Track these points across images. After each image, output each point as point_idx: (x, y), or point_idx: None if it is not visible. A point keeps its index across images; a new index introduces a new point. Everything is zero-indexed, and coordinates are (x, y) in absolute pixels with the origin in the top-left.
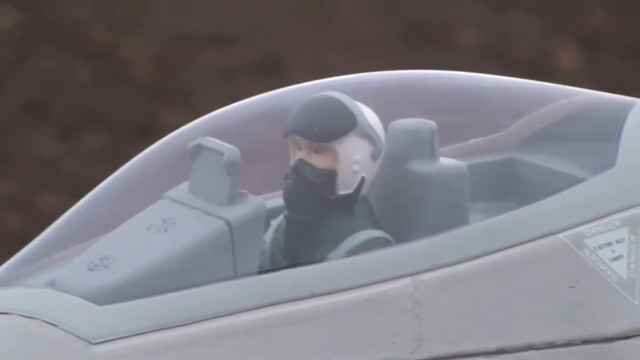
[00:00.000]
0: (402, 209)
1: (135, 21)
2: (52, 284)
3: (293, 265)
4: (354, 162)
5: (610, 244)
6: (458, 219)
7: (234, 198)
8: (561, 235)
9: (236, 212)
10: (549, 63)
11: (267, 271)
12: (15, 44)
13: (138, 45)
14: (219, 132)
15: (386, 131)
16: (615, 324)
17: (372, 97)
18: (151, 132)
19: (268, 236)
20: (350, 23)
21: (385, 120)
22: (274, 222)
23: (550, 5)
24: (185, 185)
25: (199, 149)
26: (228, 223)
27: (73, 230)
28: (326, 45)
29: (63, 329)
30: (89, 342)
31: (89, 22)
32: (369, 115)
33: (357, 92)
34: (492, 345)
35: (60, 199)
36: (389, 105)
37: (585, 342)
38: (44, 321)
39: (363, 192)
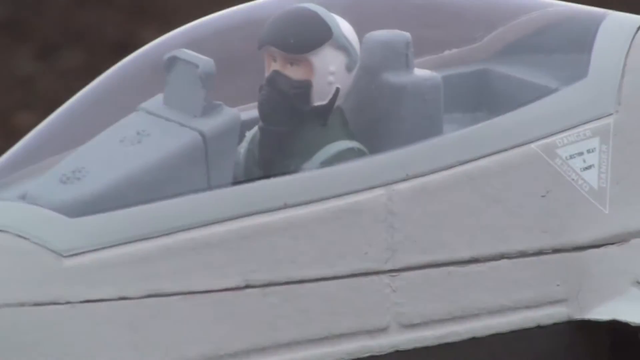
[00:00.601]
0: (376, 119)
1: None
2: (23, 197)
3: (267, 177)
4: (329, 73)
5: (581, 153)
6: (432, 130)
7: (208, 109)
8: (533, 145)
9: (210, 124)
10: None
11: (240, 182)
12: None
13: None
14: (194, 44)
15: (361, 43)
16: (586, 233)
17: (348, 8)
18: (129, 50)
19: (242, 147)
20: None
21: (361, 31)
22: (249, 134)
23: None
24: (159, 97)
25: (173, 61)
26: (202, 134)
27: (46, 143)
28: None
29: (34, 242)
30: (60, 254)
31: None
32: (344, 26)
33: (333, 4)
34: (465, 254)
35: (37, 116)
36: (364, 16)
37: (557, 250)
38: (15, 234)
39: (338, 103)
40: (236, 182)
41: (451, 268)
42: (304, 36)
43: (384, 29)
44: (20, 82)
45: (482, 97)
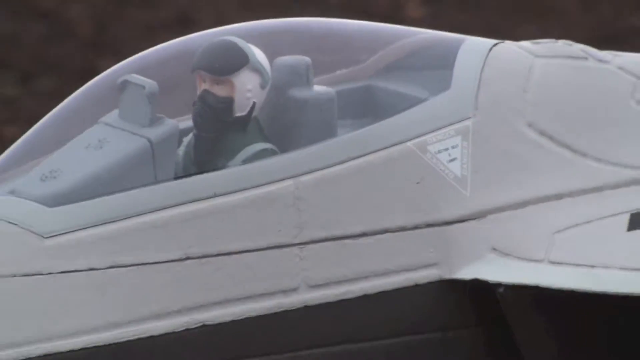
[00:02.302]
0: (285, 126)
1: None
2: (12, 192)
3: (200, 172)
4: (247, 90)
5: (447, 149)
6: (329, 133)
7: (153, 121)
8: (409, 144)
9: (155, 132)
10: (401, 14)
11: (180, 177)
12: None
13: (79, 7)
14: (141, 70)
15: (272, 66)
16: (451, 211)
17: (261, 39)
18: (92, 76)
19: (181, 150)
20: None
21: (271, 57)
22: (186, 139)
23: None
24: (115, 112)
25: (125, 83)
26: (149, 141)
27: (28, 150)
28: (227, 3)
29: (22, 227)
30: (42, 236)
31: None
32: (258, 54)
33: (249, 36)
34: (357, 230)
35: (20, 130)
36: (274, 45)
37: (429, 225)
38: (7, 221)
39: (255, 114)
40: (177, 177)
41: (346, 241)
42: (227, 62)
43: (290, 54)
44: (6, 103)
45: (367, 107)
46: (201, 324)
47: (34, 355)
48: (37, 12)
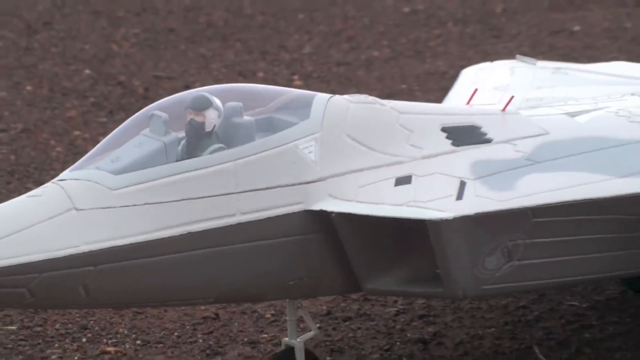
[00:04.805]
0: (230, 136)
1: (135, 69)
2: (97, 168)
3: (188, 159)
4: (211, 119)
5: (307, 147)
6: (249, 139)
7: (166, 133)
8: (290, 144)
9: (167, 138)
10: (291, 84)
11: (178, 161)
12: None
13: (137, 79)
14: (161, 108)
15: (223, 106)
16: (309, 177)
17: (219, 94)
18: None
19: (179, 147)
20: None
21: (223, 102)
22: (182, 142)
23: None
24: (148, 129)
25: (152, 115)
26: (164, 143)
27: (106, 147)
28: (207, 80)
29: (101, 185)
30: (112, 189)
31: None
32: (217, 100)
33: (214, 92)
34: (265, 185)
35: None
36: (224, 97)
37: (300, 183)
38: (94, 182)
39: (215, 130)
40: (177, 161)
41: (260, 191)
42: (202, 104)
43: (232, 102)
44: (101, 125)
45: (269, 127)
46: (188, 232)
47: (105, 247)
48: (117, 82)
